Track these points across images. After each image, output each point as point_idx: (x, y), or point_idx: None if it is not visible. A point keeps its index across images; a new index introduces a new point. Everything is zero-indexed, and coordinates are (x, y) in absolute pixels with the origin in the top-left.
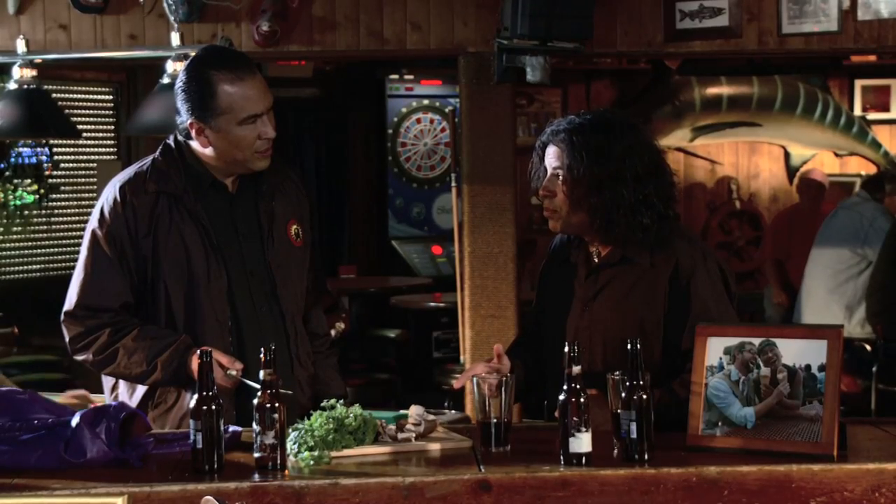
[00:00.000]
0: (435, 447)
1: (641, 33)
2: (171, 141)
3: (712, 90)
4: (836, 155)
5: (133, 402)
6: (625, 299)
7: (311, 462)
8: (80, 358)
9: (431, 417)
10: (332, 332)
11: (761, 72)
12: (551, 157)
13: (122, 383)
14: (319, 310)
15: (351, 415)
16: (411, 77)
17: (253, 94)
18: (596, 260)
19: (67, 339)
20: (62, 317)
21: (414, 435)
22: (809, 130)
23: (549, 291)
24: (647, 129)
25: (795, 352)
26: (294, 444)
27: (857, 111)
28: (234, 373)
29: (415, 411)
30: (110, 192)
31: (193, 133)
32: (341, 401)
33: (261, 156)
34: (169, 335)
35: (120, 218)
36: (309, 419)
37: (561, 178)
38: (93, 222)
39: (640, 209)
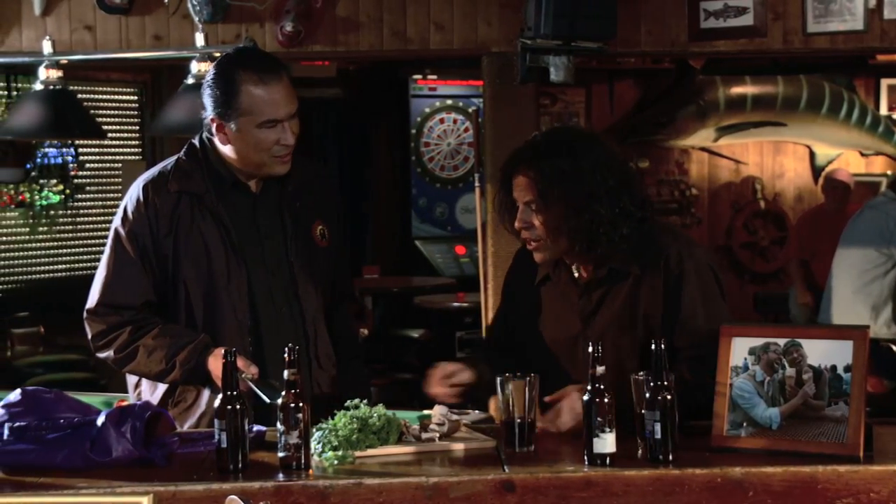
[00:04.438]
0: (458, 447)
1: (665, 33)
2: (196, 141)
3: (737, 90)
4: (862, 154)
5: (154, 400)
6: (627, 310)
7: (336, 462)
8: (101, 355)
9: (455, 417)
10: None
11: (786, 71)
12: (521, 189)
13: (144, 381)
14: (345, 310)
15: (375, 415)
16: (435, 77)
17: (276, 98)
18: (578, 275)
19: (90, 337)
20: (84, 314)
21: (438, 435)
22: (835, 130)
23: (526, 306)
24: (607, 138)
25: (821, 352)
26: (318, 443)
27: (883, 110)
28: (249, 377)
29: (438, 411)
30: (134, 191)
31: (214, 129)
32: (365, 400)
33: (278, 161)
34: (188, 334)
35: (142, 217)
36: (333, 419)
37: (535, 207)
38: (116, 221)
39: (619, 221)
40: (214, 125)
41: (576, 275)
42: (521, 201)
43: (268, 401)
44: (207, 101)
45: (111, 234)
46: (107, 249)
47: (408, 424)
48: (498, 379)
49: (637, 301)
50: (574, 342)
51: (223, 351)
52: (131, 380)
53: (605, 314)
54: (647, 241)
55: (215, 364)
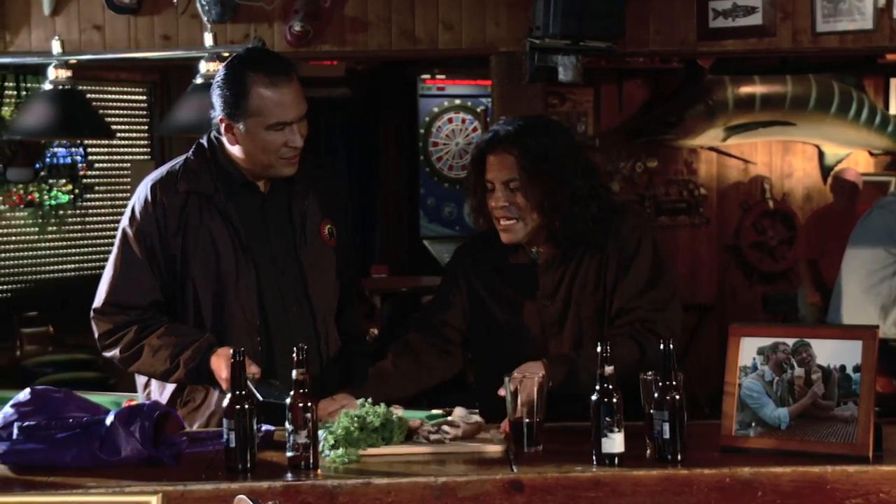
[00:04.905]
0: (464, 450)
1: (674, 32)
2: (204, 140)
3: (745, 89)
4: (871, 154)
5: (163, 400)
6: (589, 282)
7: (337, 461)
8: (108, 354)
9: (475, 419)
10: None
11: (795, 71)
12: (499, 169)
13: (153, 381)
14: (353, 309)
15: (373, 413)
16: (443, 77)
17: (285, 101)
18: (536, 256)
19: (96, 336)
20: (91, 314)
21: (449, 437)
22: (844, 129)
23: (480, 295)
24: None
25: (830, 352)
26: (321, 443)
27: (893, 110)
28: (249, 376)
29: (458, 413)
30: (142, 191)
31: (223, 129)
32: (369, 399)
33: (286, 163)
34: (193, 333)
35: (150, 217)
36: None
37: (515, 185)
38: (124, 221)
39: (590, 200)
40: (223, 125)
41: (535, 257)
42: (499, 181)
43: (260, 398)
44: (217, 101)
45: (119, 233)
46: (114, 249)
47: (422, 424)
48: (505, 378)
49: (597, 272)
50: (536, 321)
51: (231, 351)
52: (140, 379)
53: (568, 290)
54: (604, 216)
55: (217, 363)
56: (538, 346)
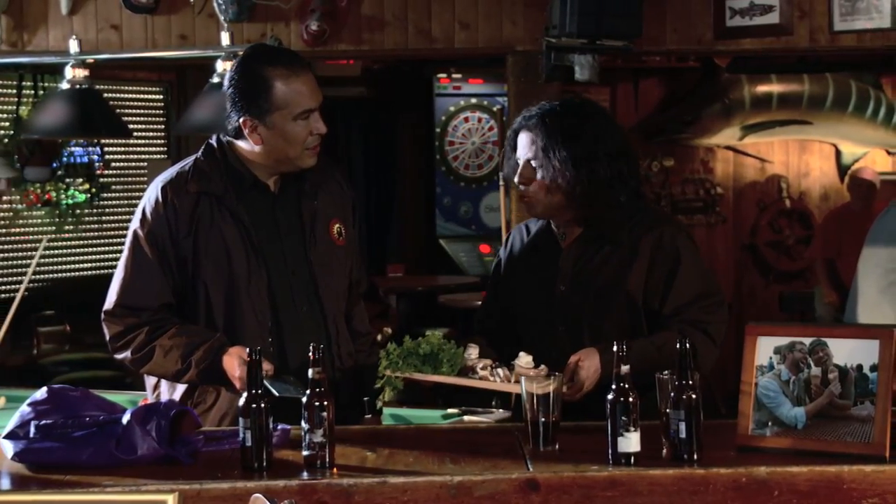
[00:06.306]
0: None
1: (691, 31)
2: (213, 141)
3: (762, 88)
4: (888, 153)
5: None
6: (610, 275)
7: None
8: (119, 356)
9: (537, 371)
10: (379, 337)
11: (812, 69)
12: (524, 146)
13: (163, 382)
14: (362, 307)
15: (426, 343)
16: (459, 76)
17: (307, 89)
18: (563, 240)
19: (107, 338)
20: (102, 316)
21: (498, 377)
22: (861, 128)
23: (516, 282)
24: (611, 113)
25: (847, 352)
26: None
27: None
28: (262, 373)
29: (522, 359)
30: (152, 192)
31: (246, 132)
32: (436, 332)
33: (311, 153)
34: (205, 333)
35: (161, 218)
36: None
37: (536, 163)
38: (135, 222)
39: (616, 185)
40: (247, 128)
41: (561, 242)
42: (522, 157)
43: (276, 394)
44: (235, 104)
45: (129, 235)
46: (125, 251)
47: (480, 365)
48: (522, 378)
49: (619, 268)
50: (548, 305)
51: (243, 350)
52: (150, 381)
53: (584, 278)
54: (638, 214)
55: (230, 363)
56: (548, 332)
